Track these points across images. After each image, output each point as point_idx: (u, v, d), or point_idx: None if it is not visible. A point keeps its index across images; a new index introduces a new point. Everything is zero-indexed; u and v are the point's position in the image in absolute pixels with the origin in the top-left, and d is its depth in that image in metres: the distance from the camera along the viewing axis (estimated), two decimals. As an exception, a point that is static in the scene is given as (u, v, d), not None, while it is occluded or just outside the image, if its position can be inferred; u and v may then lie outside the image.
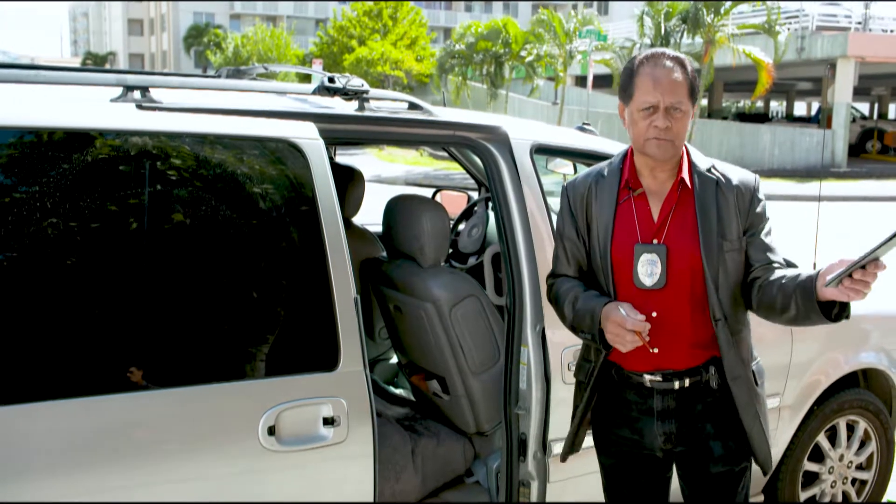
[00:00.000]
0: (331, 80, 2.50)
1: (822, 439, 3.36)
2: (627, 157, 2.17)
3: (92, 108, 2.05)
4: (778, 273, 2.05)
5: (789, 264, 2.10)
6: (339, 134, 2.44)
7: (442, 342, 2.87)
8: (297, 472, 2.10)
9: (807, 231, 3.43)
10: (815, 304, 1.91)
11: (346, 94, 2.50)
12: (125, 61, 68.20)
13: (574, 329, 2.17)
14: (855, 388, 3.42)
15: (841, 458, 3.42)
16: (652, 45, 21.04)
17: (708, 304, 2.06)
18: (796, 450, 3.27)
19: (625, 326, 1.96)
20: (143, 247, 2.00)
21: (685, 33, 21.61)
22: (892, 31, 26.62)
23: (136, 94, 2.13)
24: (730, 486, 2.18)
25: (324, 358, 2.15)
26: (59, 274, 1.89)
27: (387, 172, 20.25)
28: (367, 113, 2.48)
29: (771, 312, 2.06)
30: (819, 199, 3.83)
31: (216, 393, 2.03)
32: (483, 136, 2.68)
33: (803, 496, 3.37)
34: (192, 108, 2.16)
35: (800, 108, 48.00)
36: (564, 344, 2.60)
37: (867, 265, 1.78)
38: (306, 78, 7.83)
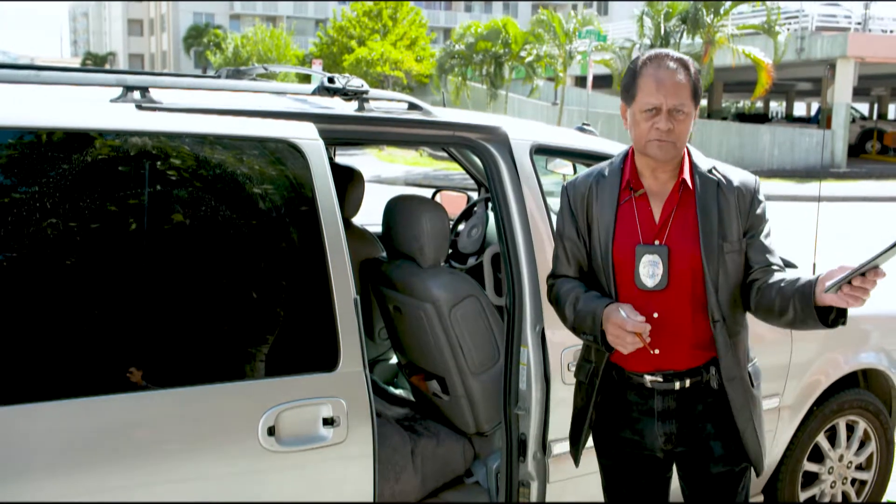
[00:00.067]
0: (330, 80, 2.50)
1: (821, 439, 3.36)
2: (628, 157, 2.17)
3: (92, 109, 2.05)
4: (777, 276, 2.06)
5: (788, 265, 2.10)
6: (338, 134, 2.44)
7: (441, 342, 2.87)
8: (296, 472, 2.10)
9: (806, 231, 3.43)
10: (812, 310, 1.92)
11: (346, 94, 2.50)
12: (125, 62, 68.20)
13: (575, 330, 2.17)
14: (855, 388, 3.42)
15: (841, 458, 3.42)
16: (651, 46, 21.06)
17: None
18: (796, 450, 3.27)
19: (625, 328, 1.96)
20: (143, 247, 2.00)
21: (685, 33, 21.61)
22: (891, 31, 26.63)
23: (136, 95, 2.13)
24: (730, 487, 2.18)
25: (323, 358, 2.15)
26: (59, 274, 1.89)
27: (386, 173, 20.25)
28: (366, 113, 2.48)
29: (769, 315, 2.06)
30: (819, 199, 3.83)
31: (216, 393, 2.03)
32: (483, 137, 2.68)
33: (803, 496, 3.37)
34: (191, 109, 2.16)
35: (799, 109, 48.01)
36: (564, 344, 2.60)
37: (867, 272, 1.79)
38: (306, 78, 7.82)
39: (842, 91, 23.67)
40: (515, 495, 2.65)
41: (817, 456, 3.38)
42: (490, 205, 3.52)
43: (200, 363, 2.05)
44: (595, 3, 50.29)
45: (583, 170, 2.35)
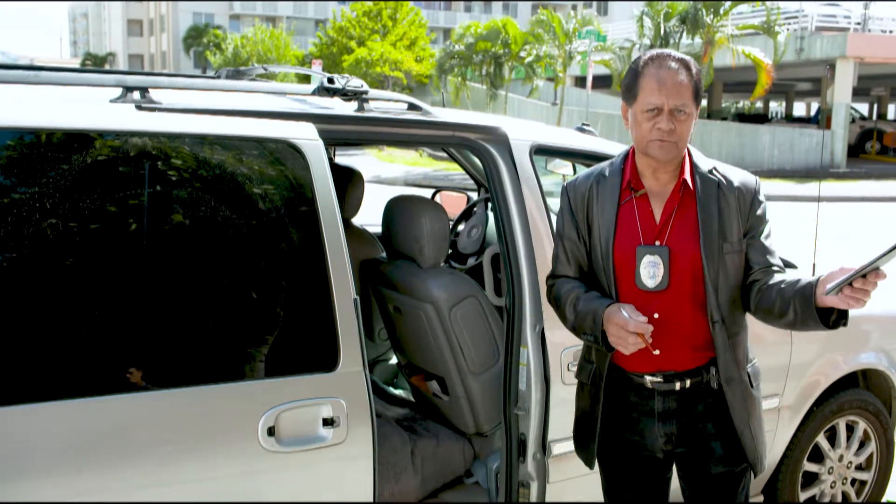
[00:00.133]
0: (330, 80, 2.50)
1: (821, 440, 3.36)
2: (629, 157, 2.17)
3: (91, 109, 2.05)
4: (777, 277, 2.06)
5: (788, 266, 2.11)
6: (338, 134, 2.45)
7: (441, 343, 2.87)
8: (296, 472, 2.10)
9: (806, 232, 3.43)
10: (813, 311, 1.92)
11: (346, 94, 2.50)
12: (125, 62, 68.18)
13: (575, 330, 2.17)
14: (854, 388, 3.42)
15: (840, 458, 3.42)
16: (651, 46, 21.06)
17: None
18: (796, 450, 3.27)
19: (627, 328, 1.96)
20: (143, 247, 2.00)
21: (685, 34, 21.61)
22: (891, 31, 26.64)
23: (136, 95, 2.13)
24: (730, 487, 2.18)
25: (323, 359, 2.15)
26: (59, 275, 1.89)
27: (386, 173, 20.25)
28: (366, 114, 2.48)
29: (769, 316, 2.06)
30: (818, 199, 3.83)
31: (216, 394, 2.03)
32: (482, 137, 2.68)
33: (803, 496, 3.37)
34: (191, 109, 2.16)
35: (799, 109, 48.01)
36: (564, 344, 2.60)
37: (868, 274, 1.79)
38: (306, 79, 7.82)
39: (841, 91, 23.67)
40: (515, 495, 2.65)
41: (817, 456, 3.38)
42: (490, 205, 3.52)
43: (200, 364, 2.05)
44: (595, 4, 50.32)
45: (583, 170, 2.35)
